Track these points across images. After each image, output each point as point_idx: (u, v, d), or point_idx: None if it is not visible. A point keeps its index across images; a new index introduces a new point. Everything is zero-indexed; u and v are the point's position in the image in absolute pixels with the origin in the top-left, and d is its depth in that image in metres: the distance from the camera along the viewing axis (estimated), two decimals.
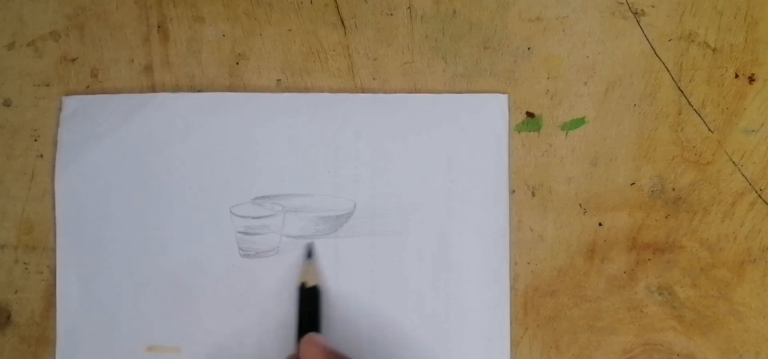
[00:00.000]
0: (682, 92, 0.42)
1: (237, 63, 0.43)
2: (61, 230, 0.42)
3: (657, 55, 0.42)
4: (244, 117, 0.42)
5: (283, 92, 0.42)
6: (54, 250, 0.42)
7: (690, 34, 0.42)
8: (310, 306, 0.39)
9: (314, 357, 0.34)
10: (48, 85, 0.43)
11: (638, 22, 0.42)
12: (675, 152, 0.42)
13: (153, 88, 0.43)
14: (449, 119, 0.42)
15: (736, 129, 0.42)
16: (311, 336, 0.35)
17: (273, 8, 0.43)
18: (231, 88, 0.43)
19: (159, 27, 0.43)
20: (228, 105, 0.42)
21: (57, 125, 0.42)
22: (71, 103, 0.42)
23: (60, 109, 0.42)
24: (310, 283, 0.39)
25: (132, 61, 0.43)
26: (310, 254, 0.41)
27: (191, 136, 0.42)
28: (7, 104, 0.43)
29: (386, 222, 0.41)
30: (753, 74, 0.42)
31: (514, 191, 0.42)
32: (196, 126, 0.42)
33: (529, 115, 0.42)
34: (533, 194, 0.42)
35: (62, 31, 0.43)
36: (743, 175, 0.42)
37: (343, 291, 0.41)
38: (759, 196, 0.42)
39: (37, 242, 0.42)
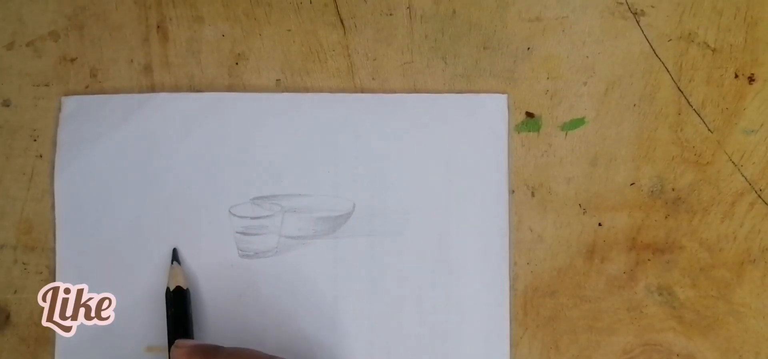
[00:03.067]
0: (681, 92, 0.42)
1: (236, 63, 0.43)
2: (61, 230, 0.42)
3: (657, 56, 0.42)
4: (244, 117, 0.42)
5: (283, 92, 0.42)
6: (53, 250, 0.42)
7: (690, 34, 0.42)
8: (176, 308, 0.39)
9: (181, 357, 0.35)
10: (47, 85, 0.43)
11: (638, 22, 0.42)
12: (675, 152, 0.42)
13: (152, 88, 0.43)
14: (449, 119, 0.42)
15: (735, 129, 0.42)
16: (178, 342, 0.36)
17: (272, 8, 0.43)
18: (230, 88, 0.43)
19: (158, 27, 0.43)
20: (227, 105, 0.42)
21: (56, 125, 0.42)
22: (70, 103, 0.42)
23: (59, 109, 0.42)
24: (173, 286, 0.39)
25: (131, 61, 0.43)
26: (174, 258, 0.41)
27: (190, 136, 0.42)
28: (6, 104, 0.43)
29: (385, 222, 0.41)
30: (753, 74, 0.42)
31: (513, 191, 0.42)
32: (195, 126, 0.42)
33: (529, 115, 0.42)
34: (533, 195, 0.42)
35: (61, 31, 0.43)
36: (743, 175, 0.42)
37: (342, 291, 0.41)
38: (759, 196, 0.42)
39: (36, 243, 0.42)
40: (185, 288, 0.40)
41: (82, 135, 0.42)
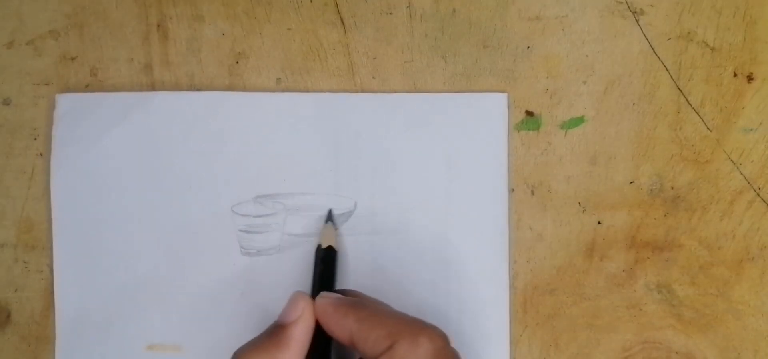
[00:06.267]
0: (680, 90, 0.42)
1: (237, 62, 0.43)
2: (58, 230, 0.42)
3: (656, 54, 0.42)
4: (245, 116, 0.42)
5: (283, 91, 0.42)
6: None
7: (689, 33, 0.42)
8: (322, 266, 0.39)
9: (325, 307, 0.35)
10: (47, 84, 0.43)
11: (637, 21, 0.42)
12: (674, 150, 0.42)
13: (152, 87, 0.43)
14: (449, 118, 0.42)
15: (734, 128, 0.42)
16: (322, 293, 0.36)
17: (273, 7, 0.43)
18: (231, 88, 0.43)
19: (158, 26, 0.43)
20: (228, 104, 0.42)
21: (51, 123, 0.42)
22: (65, 101, 0.42)
23: (54, 107, 0.42)
24: (324, 245, 0.39)
25: (131, 60, 0.43)
26: (329, 218, 0.41)
27: (191, 135, 0.42)
28: (6, 102, 0.43)
29: (386, 220, 0.42)
30: (751, 73, 0.42)
31: (513, 189, 0.42)
32: (196, 125, 0.42)
33: (529, 114, 0.42)
34: (532, 193, 0.42)
35: (61, 29, 0.43)
36: (742, 173, 0.42)
37: (343, 289, 0.41)
38: (757, 194, 0.42)
39: (36, 241, 0.42)
40: (335, 249, 0.40)
41: (78, 133, 0.42)
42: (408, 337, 0.32)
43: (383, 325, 0.33)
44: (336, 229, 0.41)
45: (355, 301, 0.35)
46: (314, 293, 0.37)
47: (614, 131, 0.42)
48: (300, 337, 0.34)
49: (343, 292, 0.38)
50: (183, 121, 0.42)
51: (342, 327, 0.34)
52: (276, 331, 0.34)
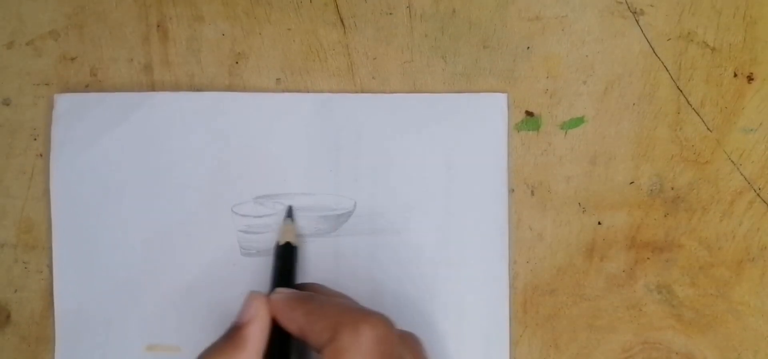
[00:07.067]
0: (681, 91, 0.42)
1: (236, 62, 0.43)
2: (57, 230, 0.42)
3: (656, 55, 0.42)
4: (245, 116, 0.42)
5: (283, 91, 0.42)
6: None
7: (689, 33, 0.42)
8: (282, 262, 0.39)
9: (277, 303, 0.35)
10: (47, 85, 0.43)
11: (637, 21, 0.42)
12: (674, 151, 0.42)
13: (152, 87, 0.43)
14: (449, 118, 0.42)
15: (734, 128, 0.42)
16: (277, 289, 0.36)
17: (272, 7, 0.43)
18: (230, 88, 0.43)
19: (158, 26, 0.43)
20: (228, 104, 0.42)
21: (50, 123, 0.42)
22: (64, 101, 0.42)
23: (52, 107, 0.42)
24: (282, 241, 0.40)
25: (131, 60, 0.43)
26: (288, 215, 0.41)
27: (191, 135, 0.42)
28: (6, 102, 0.43)
29: (386, 221, 0.42)
30: (751, 73, 0.42)
31: (513, 190, 0.42)
32: (196, 125, 0.42)
33: (529, 114, 0.42)
34: (532, 193, 0.42)
35: (61, 30, 0.43)
36: (742, 174, 0.42)
37: (343, 289, 0.41)
38: (758, 195, 0.42)
39: (36, 241, 0.42)
40: (294, 245, 0.40)
41: (77, 134, 0.42)
42: (349, 326, 0.32)
43: (327, 316, 0.33)
44: (294, 224, 0.41)
45: (306, 294, 0.36)
46: (272, 290, 0.37)
47: (614, 131, 0.42)
48: (255, 336, 0.34)
49: (302, 286, 0.38)
50: (183, 121, 0.42)
51: (291, 320, 0.34)
52: (232, 333, 0.35)
